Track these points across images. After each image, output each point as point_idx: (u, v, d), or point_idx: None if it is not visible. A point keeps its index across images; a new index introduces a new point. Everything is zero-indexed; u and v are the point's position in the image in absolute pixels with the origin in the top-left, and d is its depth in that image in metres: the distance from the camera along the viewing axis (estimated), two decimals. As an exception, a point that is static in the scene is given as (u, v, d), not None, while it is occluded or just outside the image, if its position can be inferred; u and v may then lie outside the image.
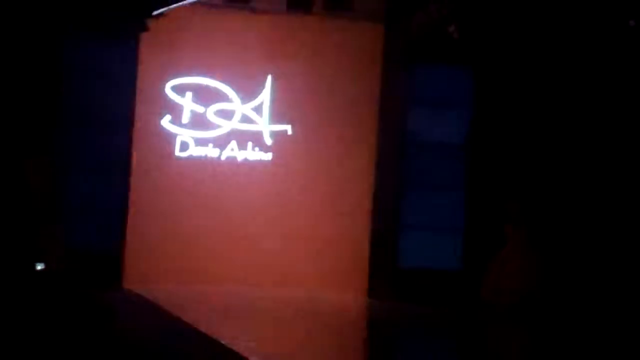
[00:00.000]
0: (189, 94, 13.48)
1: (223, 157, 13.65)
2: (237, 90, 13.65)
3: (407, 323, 11.79)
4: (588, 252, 12.95)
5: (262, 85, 13.73)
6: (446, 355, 9.98)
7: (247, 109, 13.74)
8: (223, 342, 8.82)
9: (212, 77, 13.56)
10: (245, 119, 13.74)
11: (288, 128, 13.81)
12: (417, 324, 11.56)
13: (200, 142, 13.57)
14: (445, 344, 10.52)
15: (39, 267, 9.28)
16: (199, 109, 13.54)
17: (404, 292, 13.01)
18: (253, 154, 13.77)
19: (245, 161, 13.72)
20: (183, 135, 13.47)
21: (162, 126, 13.33)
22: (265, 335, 10.10)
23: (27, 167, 11.02)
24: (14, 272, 6.50)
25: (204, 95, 13.54)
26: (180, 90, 13.46)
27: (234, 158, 13.69)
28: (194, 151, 13.55)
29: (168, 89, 13.40)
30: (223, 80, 13.59)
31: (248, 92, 13.70)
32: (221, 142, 13.64)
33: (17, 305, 6.10)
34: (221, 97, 13.63)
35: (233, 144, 13.69)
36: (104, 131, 12.33)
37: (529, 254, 12.80)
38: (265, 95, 13.78)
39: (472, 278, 12.94)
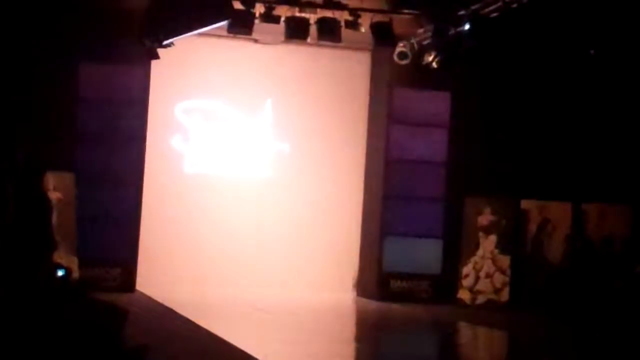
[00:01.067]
0: (196, 116, 13.72)
1: (227, 173, 13.82)
2: (240, 112, 13.90)
3: (392, 320, 11.92)
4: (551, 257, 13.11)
5: (263, 108, 13.99)
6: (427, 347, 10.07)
7: (249, 129, 13.95)
8: (224, 338, 8.95)
9: (218, 100, 13.80)
10: (248, 139, 13.96)
11: (286, 146, 14.03)
12: (400, 321, 11.66)
13: (206, 159, 13.79)
14: (426, 338, 10.63)
15: (60, 273, 9.35)
16: (206, 129, 13.75)
17: (388, 292, 13.14)
18: (254, 170, 13.90)
19: (247, 176, 13.88)
20: (191, 153, 13.69)
21: (171, 145, 13.58)
22: (265, 332, 10.21)
23: (48, 181, 11.15)
24: (34, 280, 6.65)
25: (210, 117, 13.80)
26: (188, 112, 13.70)
27: (237, 173, 13.86)
28: (201, 167, 13.76)
29: (177, 111, 13.64)
30: (228, 103, 13.85)
31: (250, 114, 13.97)
32: (225, 159, 13.86)
33: (34, 308, 6.22)
34: (226, 118, 13.87)
35: (236, 160, 13.88)
36: (118, 149, 12.39)
37: (498, 258, 12.96)
38: (265, 117, 14.02)
39: (450, 280, 13.05)
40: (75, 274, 11.14)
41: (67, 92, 12.11)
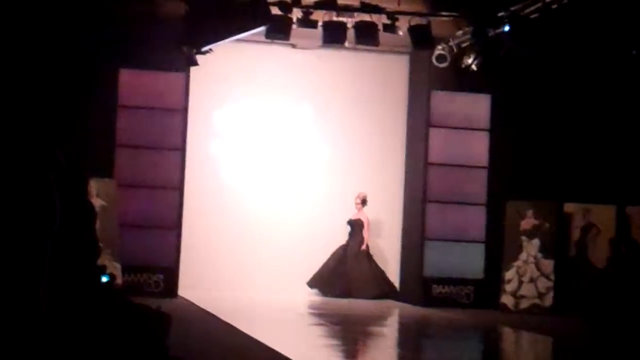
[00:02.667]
0: (234, 122, 13.84)
1: (266, 178, 13.96)
2: (279, 117, 14.01)
3: (434, 325, 11.99)
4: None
5: (302, 113, 14.11)
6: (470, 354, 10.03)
7: (288, 134, 14.06)
8: (264, 342, 9.02)
9: (256, 106, 13.92)
10: (287, 143, 14.05)
11: (326, 150, 14.13)
12: (443, 326, 11.65)
13: (245, 165, 13.90)
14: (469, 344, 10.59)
15: (104, 279, 9.47)
16: (244, 135, 13.87)
17: (430, 297, 13.17)
18: (294, 174, 13.95)
19: (287, 180, 13.99)
20: (230, 159, 13.83)
21: (210, 151, 13.71)
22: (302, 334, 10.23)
23: (91, 188, 11.31)
24: (79, 286, 6.75)
25: (248, 123, 13.91)
26: (226, 118, 13.82)
27: (277, 178, 13.97)
28: (240, 173, 13.88)
29: (216, 117, 13.76)
30: (266, 109, 13.96)
31: (289, 119, 14.07)
32: (264, 164, 13.96)
33: (81, 313, 6.31)
34: (264, 124, 13.98)
35: (275, 165, 13.97)
36: (159, 155, 12.46)
37: (541, 263, 12.89)
38: (304, 122, 14.13)
39: (493, 285, 12.99)
40: (119, 280, 11.30)
41: (107, 98, 12.26)
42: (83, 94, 12.04)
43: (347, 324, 11.51)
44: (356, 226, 13.90)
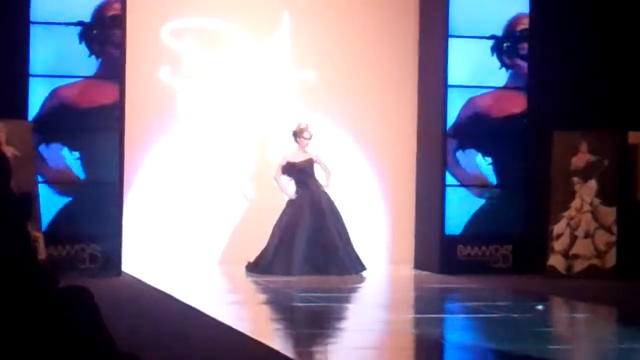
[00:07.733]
0: (190, 40, 13.66)
1: (231, 112, 13.80)
2: (249, 32, 13.82)
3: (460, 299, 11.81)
4: None
5: (279, 25, 13.90)
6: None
7: (261, 54, 13.89)
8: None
9: (219, 18, 13.77)
10: (259, 67, 13.90)
11: (311, 75, 13.93)
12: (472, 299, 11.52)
13: (204, 96, 13.74)
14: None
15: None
16: (203, 57, 13.73)
17: (454, 262, 13.11)
18: (268, 109, 13.81)
19: (259, 117, 13.86)
20: (184, 88, 13.66)
21: (159, 78, 13.53)
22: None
23: None
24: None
25: (209, 41, 13.73)
26: (179, 35, 13.63)
27: (246, 113, 13.82)
28: (198, 106, 13.73)
29: (164, 33, 13.57)
30: (231, 22, 13.80)
31: (261, 35, 13.88)
32: (230, 95, 13.79)
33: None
34: (230, 41, 13.80)
35: (244, 96, 13.80)
36: (90, 84, 12.15)
37: (600, 211, 12.84)
38: (282, 37, 13.91)
39: (537, 243, 12.80)
40: (42, 255, 11.04)
41: (15, 12, 12.00)
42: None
43: (342, 301, 11.36)
44: (308, 169, 13.09)
